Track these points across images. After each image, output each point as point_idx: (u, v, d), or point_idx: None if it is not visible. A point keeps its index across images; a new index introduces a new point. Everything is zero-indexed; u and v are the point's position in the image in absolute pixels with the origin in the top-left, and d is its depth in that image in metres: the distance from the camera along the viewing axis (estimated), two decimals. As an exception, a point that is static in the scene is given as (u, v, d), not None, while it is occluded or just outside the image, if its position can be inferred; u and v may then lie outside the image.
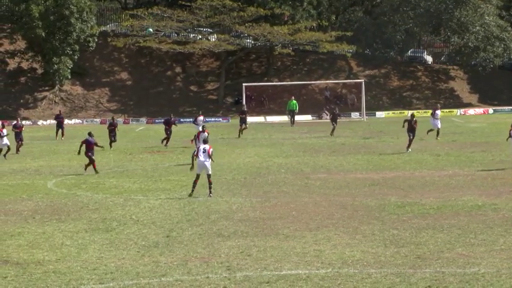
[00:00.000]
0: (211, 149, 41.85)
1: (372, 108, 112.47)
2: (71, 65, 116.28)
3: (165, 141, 72.38)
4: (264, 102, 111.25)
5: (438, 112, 71.50)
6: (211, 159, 42.56)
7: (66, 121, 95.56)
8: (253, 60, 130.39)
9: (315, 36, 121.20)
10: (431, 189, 43.93)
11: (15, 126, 68.63)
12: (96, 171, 53.23)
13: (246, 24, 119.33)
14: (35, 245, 32.46)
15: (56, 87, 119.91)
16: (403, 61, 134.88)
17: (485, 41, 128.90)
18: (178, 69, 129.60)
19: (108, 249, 31.26)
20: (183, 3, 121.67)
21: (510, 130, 52.82)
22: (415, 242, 30.49)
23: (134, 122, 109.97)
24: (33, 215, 39.63)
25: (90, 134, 54.10)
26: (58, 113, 78.44)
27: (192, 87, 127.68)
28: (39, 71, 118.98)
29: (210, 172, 42.13)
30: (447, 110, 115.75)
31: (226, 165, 56.14)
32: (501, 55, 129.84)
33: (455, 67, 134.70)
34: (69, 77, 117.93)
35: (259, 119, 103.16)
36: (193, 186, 42.48)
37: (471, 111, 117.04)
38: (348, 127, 75.29)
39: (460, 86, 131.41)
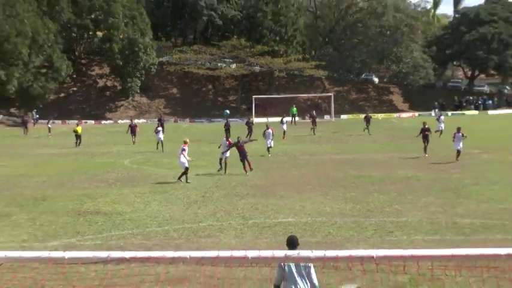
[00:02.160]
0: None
1: (338, 113, 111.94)
2: (139, 83, 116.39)
3: (248, 136, 66.49)
4: (267, 108, 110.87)
5: (442, 118, 69.88)
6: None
7: (136, 120, 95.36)
8: (259, 80, 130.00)
9: (301, 65, 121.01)
10: (377, 166, 43.89)
11: (130, 126, 66.91)
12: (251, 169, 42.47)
13: (255, 57, 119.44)
14: (116, 201, 32.54)
15: (130, 98, 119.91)
16: (359, 81, 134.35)
17: (413, 68, 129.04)
18: (209, 86, 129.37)
19: (164, 205, 31.36)
20: (214, 42, 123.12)
21: (421, 127, 51.05)
22: (366, 201, 30.56)
23: (181, 122, 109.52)
24: (115, 182, 39.67)
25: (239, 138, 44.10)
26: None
27: (219, 98, 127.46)
28: (118, 88, 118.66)
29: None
30: (388, 114, 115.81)
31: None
32: (424, 78, 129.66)
33: (393, 85, 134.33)
34: (138, 91, 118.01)
35: (264, 119, 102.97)
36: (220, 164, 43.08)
37: (404, 115, 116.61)
38: (322, 125, 75.16)
39: (397, 98, 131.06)
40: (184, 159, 39.03)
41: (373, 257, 8.29)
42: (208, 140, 67.37)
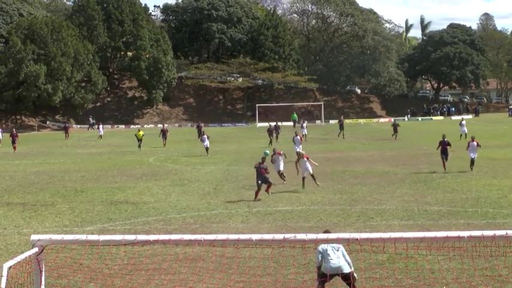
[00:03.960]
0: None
1: (327, 118, 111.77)
2: (162, 94, 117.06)
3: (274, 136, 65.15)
4: (269, 115, 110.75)
5: (464, 122, 65.60)
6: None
7: (159, 125, 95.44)
8: (262, 91, 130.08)
9: (296, 78, 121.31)
10: (360, 162, 43.76)
11: (162, 130, 65.27)
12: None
13: (258, 72, 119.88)
14: (142, 193, 32.48)
15: (154, 107, 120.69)
16: (344, 92, 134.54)
17: (389, 81, 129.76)
18: (220, 97, 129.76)
19: (182, 196, 31.24)
20: (224, 60, 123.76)
21: (440, 140, 39.32)
22: (351, 192, 30.44)
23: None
24: (141, 176, 39.60)
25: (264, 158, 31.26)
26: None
27: (228, 106, 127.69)
28: (145, 98, 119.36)
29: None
30: (369, 119, 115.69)
31: (247, 146, 56.46)
32: (398, 89, 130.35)
33: (373, 95, 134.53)
34: (161, 101, 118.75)
35: (266, 124, 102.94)
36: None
37: (382, 120, 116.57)
38: (314, 129, 75.02)
39: (376, 106, 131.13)
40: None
41: (357, 239, 8.20)
42: (219, 140, 67.19)
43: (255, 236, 8.09)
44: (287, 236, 8.07)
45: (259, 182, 29.63)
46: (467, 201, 27.64)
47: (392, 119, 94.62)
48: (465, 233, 7.72)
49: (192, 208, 27.70)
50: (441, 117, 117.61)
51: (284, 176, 34.75)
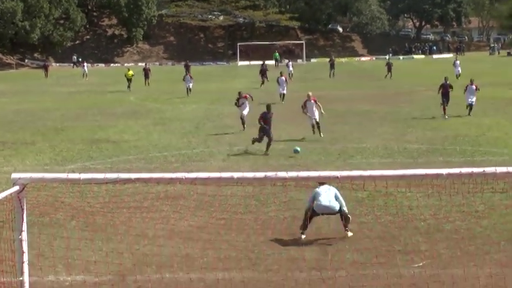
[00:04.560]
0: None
1: (308, 57, 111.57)
2: (142, 33, 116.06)
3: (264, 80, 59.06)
4: (249, 54, 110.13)
5: (458, 62, 63.19)
6: None
7: (139, 63, 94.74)
8: (243, 30, 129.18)
9: (277, 17, 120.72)
10: (341, 101, 43.73)
11: (144, 69, 64.07)
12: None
13: (239, 10, 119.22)
14: (123, 131, 32.47)
15: (134, 45, 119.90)
16: (326, 31, 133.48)
17: (371, 19, 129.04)
18: (201, 35, 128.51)
19: (163, 134, 31.28)
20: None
21: (442, 83, 35.91)
22: (332, 130, 30.54)
23: (178, 65, 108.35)
24: (122, 115, 39.51)
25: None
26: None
27: (209, 45, 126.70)
28: (125, 36, 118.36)
29: None
30: (350, 58, 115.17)
31: (228, 85, 56.18)
32: (380, 27, 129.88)
33: (354, 34, 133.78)
34: (141, 39, 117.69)
35: (247, 63, 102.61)
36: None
37: (363, 58, 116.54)
38: (295, 68, 74.53)
39: (357, 45, 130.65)
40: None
41: (337, 177, 8.28)
42: (200, 79, 66.79)
43: (237, 174, 8.15)
44: (268, 174, 8.14)
45: (262, 133, 25.83)
46: (446, 139, 27.89)
47: (386, 57, 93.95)
48: (443, 171, 7.82)
49: (173, 147, 27.73)
50: (422, 56, 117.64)
51: (244, 123, 31.60)
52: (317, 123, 28.84)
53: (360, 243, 14.43)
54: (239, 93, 32.61)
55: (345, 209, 14.58)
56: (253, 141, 26.31)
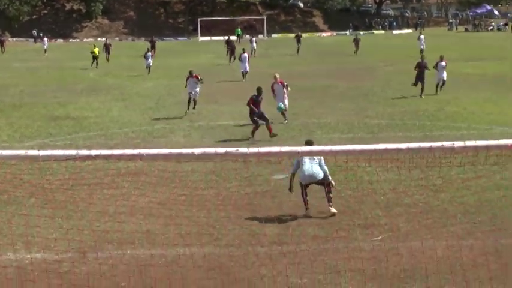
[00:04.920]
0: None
1: (269, 33, 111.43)
2: (101, 7, 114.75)
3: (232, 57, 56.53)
4: (211, 29, 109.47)
5: (422, 37, 62.98)
6: None
7: (99, 39, 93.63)
8: (204, 5, 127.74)
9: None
10: (302, 77, 43.66)
11: (105, 45, 62.57)
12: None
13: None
14: (83, 108, 32.24)
15: (93, 20, 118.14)
16: (287, 6, 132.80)
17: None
18: (162, 10, 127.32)
19: (124, 111, 31.14)
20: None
21: (418, 62, 34.11)
22: (293, 105, 30.42)
23: (138, 41, 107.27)
24: (82, 91, 39.18)
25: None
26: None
27: (170, 20, 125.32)
28: (83, 11, 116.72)
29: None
30: (311, 34, 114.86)
31: (189, 61, 55.82)
32: (340, 3, 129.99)
33: (315, 9, 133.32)
34: (100, 13, 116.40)
35: (208, 38, 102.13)
36: None
37: (324, 34, 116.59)
38: (258, 44, 74.07)
39: (318, 20, 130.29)
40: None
41: (298, 152, 8.33)
42: (161, 55, 66.27)
43: (197, 150, 8.16)
44: (229, 149, 8.16)
45: (255, 118, 23.76)
46: (406, 114, 28.19)
47: (347, 33, 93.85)
48: (403, 145, 7.90)
49: (133, 123, 27.61)
50: (382, 32, 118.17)
51: (195, 104, 29.96)
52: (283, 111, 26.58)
53: (321, 217, 14.59)
54: (190, 71, 30.42)
55: (329, 177, 14.73)
56: (253, 132, 23.64)
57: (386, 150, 8.24)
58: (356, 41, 66.21)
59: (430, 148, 7.71)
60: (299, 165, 14.62)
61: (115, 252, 12.64)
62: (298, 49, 69.17)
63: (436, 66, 34.14)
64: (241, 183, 16.39)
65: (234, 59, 55.16)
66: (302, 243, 12.96)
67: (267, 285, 11.17)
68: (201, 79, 30.15)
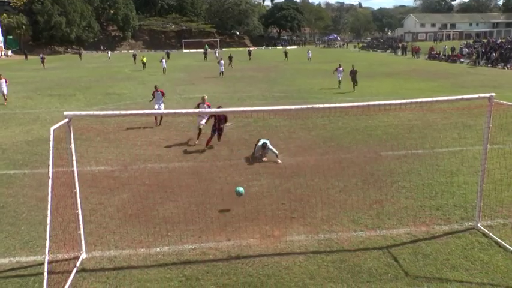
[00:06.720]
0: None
1: (221, 47, 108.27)
2: (130, 34, 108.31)
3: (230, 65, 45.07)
4: (190, 46, 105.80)
5: (309, 51, 53.73)
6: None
7: (129, 51, 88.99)
8: (185, 33, 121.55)
9: (204, 26, 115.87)
10: (239, 70, 42.67)
11: (133, 55, 56.26)
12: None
13: (183, 22, 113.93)
14: (122, 88, 30.19)
15: (126, 41, 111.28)
16: (230, 34, 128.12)
17: (254, 28, 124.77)
18: (162, 36, 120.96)
19: (143, 89, 29.19)
20: (164, 16, 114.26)
21: (350, 70, 27.28)
22: (234, 86, 29.79)
23: (150, 52, 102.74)
24: (121, 79, 36.80)
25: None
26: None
27: (167, 41, 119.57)
28: (121, 36, 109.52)
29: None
30: (243, 48, 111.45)
31: (182, 62, 54.12)
32: (258, 32, 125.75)
33: (245, 36, 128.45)
34: (130, 37, 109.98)
35: (188, 50, 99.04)
36: None
37: (251, 48, 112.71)
38: (212, 55, 71.30)
39: (247, 41, 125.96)
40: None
41: (236, 111, 8.16)
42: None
43: (184, 111, 7.91)
44: (190, 110, 7.89)
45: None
46: (295, 91, 27.91)
47: (284, 47, 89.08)
48: (292, 107, 7.90)
49: (149, 97, 26.31)
50: (281, 47, 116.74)
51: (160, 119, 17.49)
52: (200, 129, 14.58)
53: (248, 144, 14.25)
54: (155, 86, 17.61)
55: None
56: (207, 144, 13.89)
57: (285, 110, 8.23)
58: (285, 53, 58.69)
59: (301, 109, 7.74)
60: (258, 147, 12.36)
61: (142, 165, 12.36)
62: (250, 57, 62.49)
63: (335, 70, 28.87)
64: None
65: (205, 60, 53.97)
66: (242, 159, 12.90)
67: (222, 180, 11.11)
68: (163, 93, 17.18)
